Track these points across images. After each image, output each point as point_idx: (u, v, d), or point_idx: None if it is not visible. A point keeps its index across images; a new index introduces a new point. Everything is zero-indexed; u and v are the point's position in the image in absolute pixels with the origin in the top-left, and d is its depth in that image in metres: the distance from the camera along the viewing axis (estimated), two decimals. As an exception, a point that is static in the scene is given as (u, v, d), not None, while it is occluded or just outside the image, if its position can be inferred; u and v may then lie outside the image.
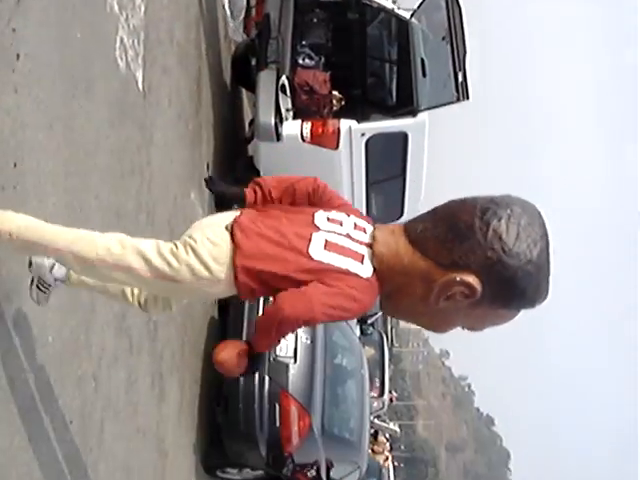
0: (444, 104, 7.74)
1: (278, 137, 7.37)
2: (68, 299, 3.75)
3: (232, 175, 7.92)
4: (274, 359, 6.53)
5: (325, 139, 7.46)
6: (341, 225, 2.54)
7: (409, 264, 2.36)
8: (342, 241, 2.46)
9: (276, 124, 7.30)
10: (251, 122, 8.21)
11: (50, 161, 3.59)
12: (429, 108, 7.90)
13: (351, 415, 7.64)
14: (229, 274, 2.45)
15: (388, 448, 23.09)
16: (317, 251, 2.42)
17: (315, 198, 2.75)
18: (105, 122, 4.37)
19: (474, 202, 2.31)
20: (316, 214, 2.58)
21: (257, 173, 7.68)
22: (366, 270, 2.39)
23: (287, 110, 7.53)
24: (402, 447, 59.52)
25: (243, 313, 6.82)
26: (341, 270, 2.38)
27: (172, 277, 2.46)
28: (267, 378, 6.45)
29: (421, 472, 78.16)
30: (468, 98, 7.38)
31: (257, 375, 6.35)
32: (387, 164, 8.33)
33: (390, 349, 24.64)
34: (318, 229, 2.50)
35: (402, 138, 7.94)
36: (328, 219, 2.57)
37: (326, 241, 2.45)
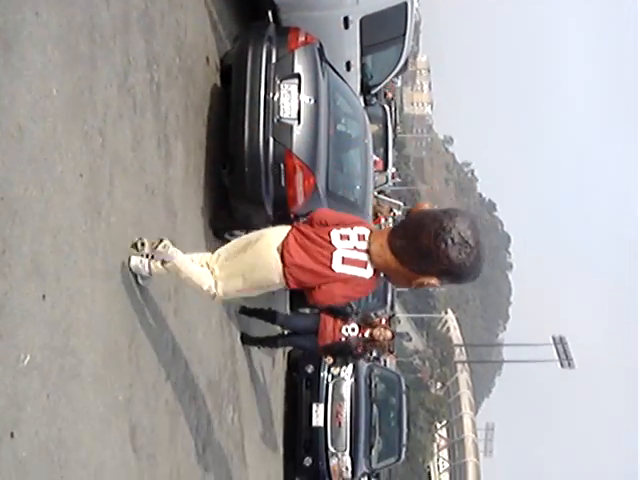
0: None
1: None
2: (68, 54, 3.72)
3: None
4: (278, 120, 6.44)
5: None
6: (349, 239, 3.96)
7: (395, 268, 3.83)
8: (352, 255, 3.92)
9: None
10: None
11: None
12: None
13: (355, 180, 7.70)
14: (282, 281, 4.07)
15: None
16: (337, 266, 3.92)
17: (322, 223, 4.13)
18: None
19: (430, 227, 3.61)
20: (332, 234, 4.00)
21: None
22: (369, 272, 3.91)
23: None
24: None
25: (245, 85, 6.67)
26: (354, 276, 3.92)
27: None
28: (271, 139, 6.39)
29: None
30: None
31: (262, 137, 6.37)
32: None
33: (394, 131, 24.66)
34: (335, 248, 3.94)
35: None
36: (341, 236, 3.98)
37: (343, 258, 3.92)
